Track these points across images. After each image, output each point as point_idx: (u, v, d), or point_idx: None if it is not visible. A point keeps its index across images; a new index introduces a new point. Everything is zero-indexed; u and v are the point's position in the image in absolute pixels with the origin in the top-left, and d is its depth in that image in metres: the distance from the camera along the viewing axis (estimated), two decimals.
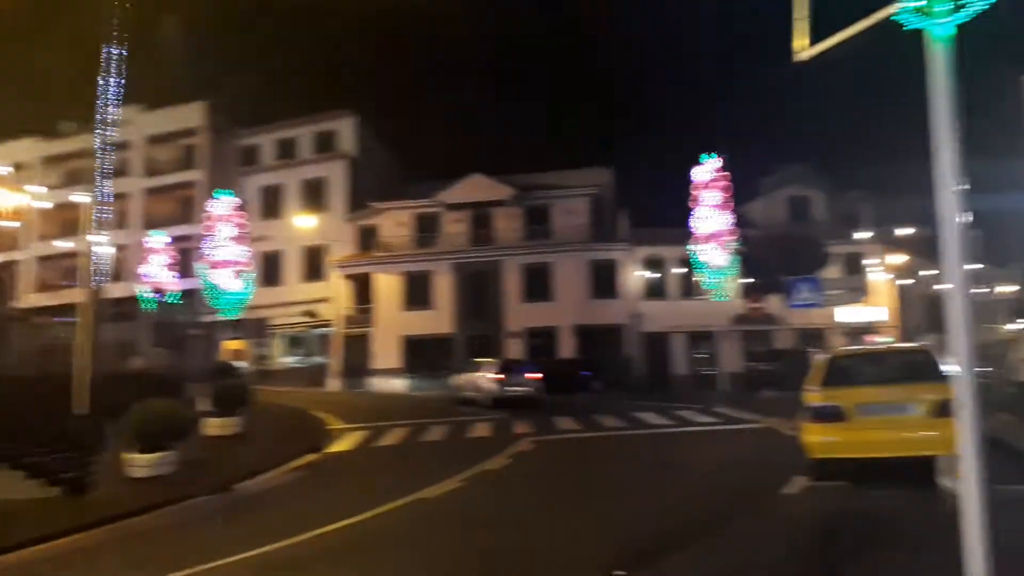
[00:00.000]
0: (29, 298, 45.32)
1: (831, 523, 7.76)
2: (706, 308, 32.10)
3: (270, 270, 41.53)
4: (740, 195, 36.28)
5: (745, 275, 31.86)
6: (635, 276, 38.16)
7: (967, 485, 3.42)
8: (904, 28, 3.64)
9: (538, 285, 37.85)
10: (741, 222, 33.10)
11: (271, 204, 43.08)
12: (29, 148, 45.98)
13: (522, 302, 37.76)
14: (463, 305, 38.07)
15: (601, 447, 15.33)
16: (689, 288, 36.86)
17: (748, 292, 31.11)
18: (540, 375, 25.19)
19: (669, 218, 36.10)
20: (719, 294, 29.44)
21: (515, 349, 37.09)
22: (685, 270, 36.56)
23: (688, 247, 30.24)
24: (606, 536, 7.95)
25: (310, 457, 14.75)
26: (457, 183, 39.40)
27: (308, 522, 8.68)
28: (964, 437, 3.45)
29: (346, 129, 43.50)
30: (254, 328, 39.36)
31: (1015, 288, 16.18)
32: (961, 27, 3.60)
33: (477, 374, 25.78)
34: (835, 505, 8.48)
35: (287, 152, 44.25)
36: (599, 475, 12.14)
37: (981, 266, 16.71)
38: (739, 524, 7.73)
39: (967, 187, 3.57)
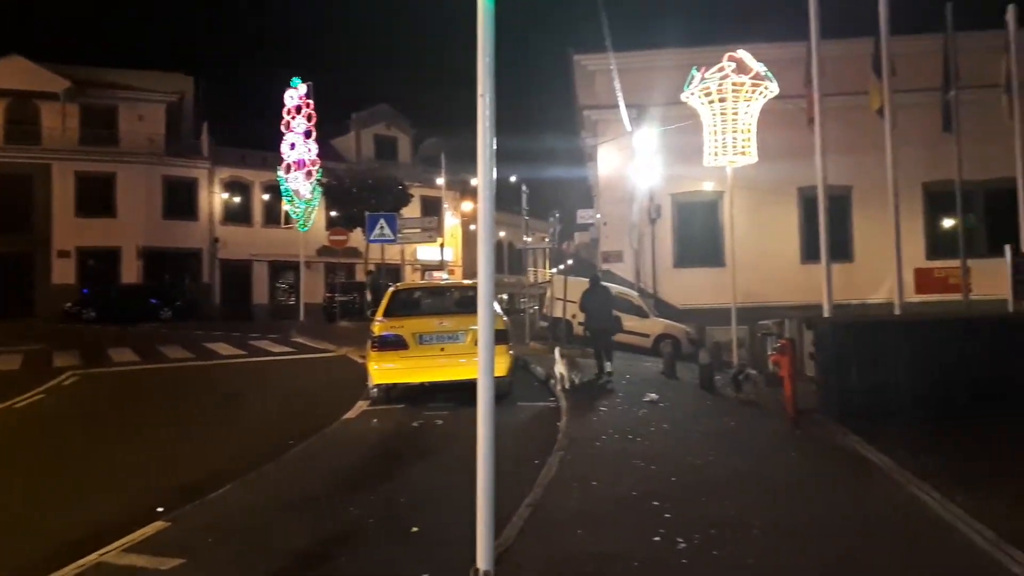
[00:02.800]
0: None
1: (383, 441, 8.24)
2: (290, 237, 31.56)
3: None
4: (330, 127, 36.22)
5: (330, 207, 32.03)
6: (216, 198, 35.71)
7: (481, 400, 3.83)
8: None
9: (98, 198, 32.92)
10: (330, 153, 33.06)
11: None
12: None
13: (76, 216, 32.57)
14: None
15: (161, 380, 14.11)
16: (274, 215, 35.83)
17: (332, 224, 31.37)
18: None
19: (256, 140, 34.45)
20: (304, 224, 29.15)
21: (65, 271, 32.04)
22: (270, 197, 35.45)
23: (275, 173, 29.24)
24: (149, 475, 7.31)
25: None
26: None
27: None
28: (480, 363, 3.88)
29: None
30: None
31: (550, 239, 19.33)
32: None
33: None
34: (390, 425, 9.02)
35: None
36: (152, 410, 11.14)
37: (527, 218, 19.29)
38: (294, 451, 7.74)
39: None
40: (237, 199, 36.65)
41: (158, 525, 5.37)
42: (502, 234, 45.24)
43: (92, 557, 4.77)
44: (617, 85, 20.32)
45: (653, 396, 10.08)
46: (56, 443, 8.99)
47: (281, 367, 15.80)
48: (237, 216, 36.44)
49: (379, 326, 10.04)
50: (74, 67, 33.91)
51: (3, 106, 32.48)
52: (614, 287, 18.79)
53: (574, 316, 18.20)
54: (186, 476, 7.07)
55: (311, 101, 28.33)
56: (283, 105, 28.88)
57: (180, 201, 34.65)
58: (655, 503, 5.49)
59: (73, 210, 32.60)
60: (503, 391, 9.79)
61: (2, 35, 52.54)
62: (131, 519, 5.53)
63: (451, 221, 41.32)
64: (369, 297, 21.30)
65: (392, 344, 9.77)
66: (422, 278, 36.51)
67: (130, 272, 33.10)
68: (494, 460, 3.85)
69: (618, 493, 5.83)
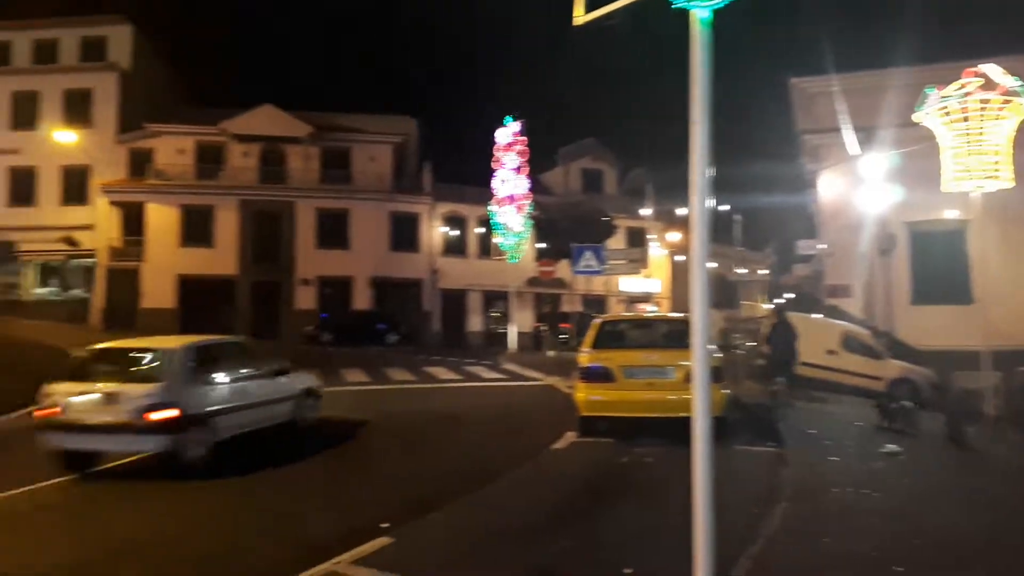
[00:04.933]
0: None
1: (592, 475, 8.14)
2: (501, 268, 32.83)
3: (19, 188, 36.22)
4: (539, 162, 37.28)
5: (539, 239, 32.87)
6: (436, 231, 38.09)
7: (698, 443, 3.63)
8: (672, 6, 3.77)
9: (334, 232, 36.37)
10: (538, 188, 34.06)
11: (24, 113, 37.09)
12: None
13: (316, 248, 36.18)
14: (250, 246, 35.74)
15: (386, 400, 15.08)
16: (487, 247, 37.52)
17: (540, 256, 32.17)
18: None
19: (471, 176, 36.35)
20: (514, 256, 30.16)
21: (306, 297, 35.65)
22: (484, 230, 37.14)
23: (488, 207, 30.62)
24: (374, 489, 7.80)
25: None
26: (246, 113, 36.48)
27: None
28: (696, 401, 3.68)
29: (120, 38, 38.15)
30: None
31: (767, 272, 18.37)
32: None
33: None
34: (599, 459, 8.90)
35: (47, 56, 38.25)
36: (377, 429, 11.93)
37: (740, 248, 18.54)
38: (507, 477, 7.87)
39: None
40: (454, 232, 38.84)
41: (382, 540, 5.68)
42: (712, 265, 43.77)
43: (325, 566, 5.13)
44: (840, 107, 19.02)
45: (893, 447, 9.06)
46: (294, 455, 9.80)
47: (493, 393, 16.29)
48: (454, 248, 38.58)
49: (586, 357, 9.98)
50: (314, 113, 37.74)
51: (258, 150, 37.03)
52: (842, 324, 17.50)
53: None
54: (407, 493, 7.48)
55: (524, 137, 29.36)
56: (494, 142, 30.22)
57: (404, 234, 37.31)
58: (897, 568, 4.88)
59: (314, 243, 36.26)
60: (718, 431, 9.31)
61: (256, 87, 60.46)
62: (358, 530, 5.93)
63: (657, 252, 40.74)
64: (575, 332, 21.53)
65: (599, 376, 9.67)
66: (626, 310, 36.34)
67: (361, 299, 36.08)
68: (713, 506, 3.63)
69: (852, 552, 5.26)
